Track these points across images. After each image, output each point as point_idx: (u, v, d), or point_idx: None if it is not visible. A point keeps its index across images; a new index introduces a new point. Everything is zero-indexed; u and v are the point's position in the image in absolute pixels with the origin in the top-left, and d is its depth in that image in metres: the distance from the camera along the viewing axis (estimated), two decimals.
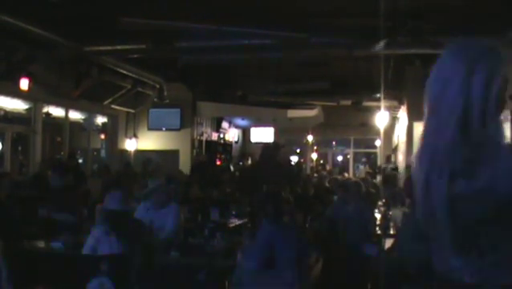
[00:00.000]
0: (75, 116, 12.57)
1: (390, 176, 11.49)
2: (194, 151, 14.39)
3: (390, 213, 7.44)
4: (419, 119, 11.12)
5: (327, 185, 11.33)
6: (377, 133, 17.24)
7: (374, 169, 16.08)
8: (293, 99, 14.76)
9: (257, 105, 14.88)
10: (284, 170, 7.25)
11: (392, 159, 16.52)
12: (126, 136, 14.09)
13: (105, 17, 7.76)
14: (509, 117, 4.59)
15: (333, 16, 8.11)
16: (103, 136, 14.48)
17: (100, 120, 13.88)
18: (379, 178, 12.81)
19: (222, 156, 16.38)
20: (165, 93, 12.95)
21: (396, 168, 13.74)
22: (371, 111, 15.26)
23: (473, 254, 1.28)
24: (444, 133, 1.35)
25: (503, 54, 1.39)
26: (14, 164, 10.89)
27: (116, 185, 7.04)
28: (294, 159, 21.60)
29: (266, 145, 8.05)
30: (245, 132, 19.91)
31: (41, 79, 9.87)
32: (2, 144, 10.72)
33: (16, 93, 9.63)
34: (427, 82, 1.45)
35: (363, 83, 13.14)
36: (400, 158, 13.56)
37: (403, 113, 13.06)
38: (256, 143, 18.70)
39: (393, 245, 5.93)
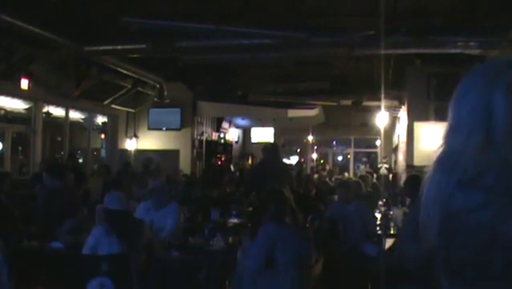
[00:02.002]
0: (75, 115, 12.58)
1: (382, 176, 11.54)
2: (194, 151, 14.40)
3: (391, 212, 7.45)
4: (419, 119, 11.17)
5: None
6: (377, 133, 17.26)
7: (374, 169, 16.08)
8: (293, 98, 14.77)
9: (257, 105, 14.89)
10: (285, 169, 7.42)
11: (393, 158, 16.52)
12: (126, 136, 14.09)
13: (105, 17, 7.77)
14: None
15: (333, 16, 8.11)
16: (103, 136, 14.50)
17: (100, 119, 13.89)
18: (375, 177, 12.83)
19: (222, 156, 16.38)
20: (165, 93, 12.96)
21: (389, 169, 13.77)
22: (371, 111, 15.27)
23: (458, 280, 1.19)
24: (465, 145, 1.24)
25: None
26: (14, 163, 10.89)
27: (116, 185, 7.04)
28: (294, 159, 21.64)
29: (267, 146, 8.22)
30: (246, 132, 19.91)
31: (41, 79, 9.89)
32: (2, 144, 10.73)
33: (16, 93, 9.64)
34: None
35: (363, 82, 13.15)
36: (401, 158, 13.56)
37: (403, 113, 13.06)
38: (256, 143, 18.73)
39: (393, 245, 5.94)
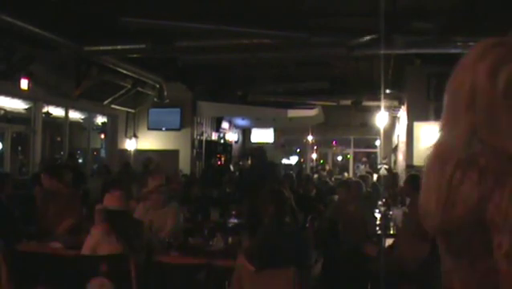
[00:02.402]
0: (75, 115, 12.58)
1: (382, 176, 11.55)
2: (194, 151, 14.40)
3: (390, 212, 7.45)
4: (419, 119, 11.18)
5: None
6: (377, 133, 17.26)
7: (374, 169, 16.09)
8: (293, 98, 14.77)
9: (257, 105, 14.89)
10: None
11: (393, 158, 16.53)
12: (126, 136, 14.10)
13: (105, 17, 7.76)
14: None
15: (333, 16, 8.11)
16: (103, 136, 14.50)
17: (100, 119, 13.89)
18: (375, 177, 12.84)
19: (222, 156, 16.38)
20: (165, 93, 12.95)
21: (388, 169, 13.78)
22: (371, 111, 15.28)
23: (462, 257, 1.24)
24: (454, 131, 1.29)
25: None
26: (14, 163, 10.89)
27: (116, 185, 7.03)
28: (294, 159, 21.66)
29: (252, 151, 8.30)
30: (246, 133, 19.91)
31: (41, 79, 9.89)
32: (2, 144, 10.73)
33: (16, 93, 9.64)
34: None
35: (363, 82, 13.15)
36: (400, 158, 13.57)
37: (403, 113, 13.06)
38: (256, 143, 18.73)
39: (393, 244, 5.94)
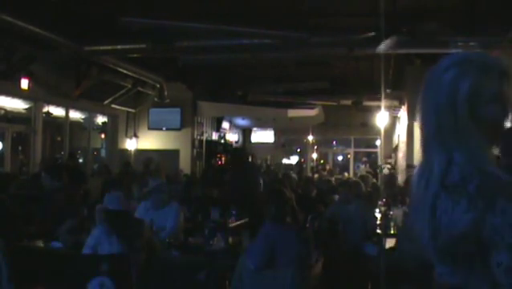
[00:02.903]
0: (75, 115, 12.58)
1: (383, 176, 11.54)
2: (194, 151, 14.40)
3: (391, 212, 7.44)
4: None
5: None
6: (378, 133, 17.25)
7: (374, 169, 16.07)
8: (293, 98, 14.78)
9: (257, 105, 14.89)
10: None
11: (393, 158, 16.53)
12: (126, 136, 14.10)
13: (105, 17, 7.77)
14: None
15: (333, 16, 8.11)
16: (103, 136, 14.50)
17: (101, 119, 13.89)
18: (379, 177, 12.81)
19: (222, 156, 16.38)
20: (165, 93, 12.96)
21: (392, 168, 13.77)
22: (371, 110, 15.27)
23: (452, 264, 1.27)
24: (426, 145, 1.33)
25: (482, 59, 1.30)
26: (14, 163, 10.89)
27: (116, 185, 7.03)
28: (294, 159, 21.66)
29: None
30: (246, 133, 19.91)
31: (41, 79, 9.90)
32: (3, 144, 10.73)
33: (16, 93, 9.65)
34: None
35: (363, 82, 13.15)
36: (401, 158, 13.56)
37: (403, 113, 13.06)
38: (256, 143, 18.74)
39: (395, 245, 5.94)
